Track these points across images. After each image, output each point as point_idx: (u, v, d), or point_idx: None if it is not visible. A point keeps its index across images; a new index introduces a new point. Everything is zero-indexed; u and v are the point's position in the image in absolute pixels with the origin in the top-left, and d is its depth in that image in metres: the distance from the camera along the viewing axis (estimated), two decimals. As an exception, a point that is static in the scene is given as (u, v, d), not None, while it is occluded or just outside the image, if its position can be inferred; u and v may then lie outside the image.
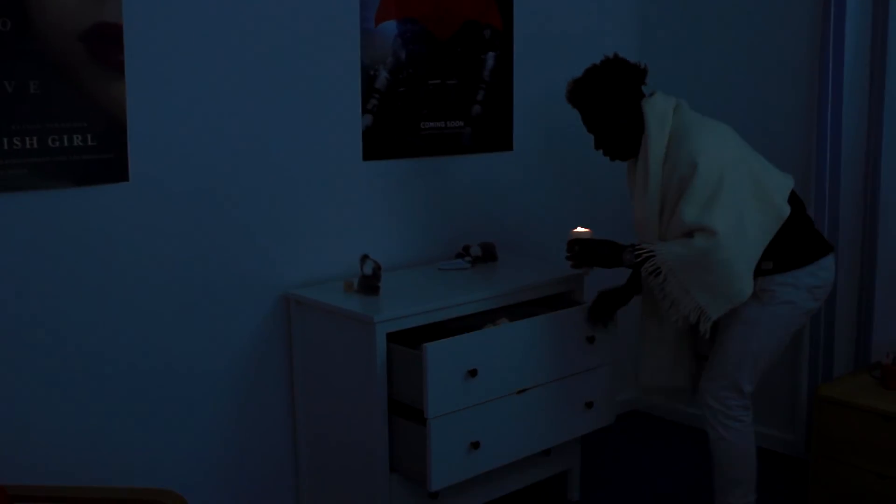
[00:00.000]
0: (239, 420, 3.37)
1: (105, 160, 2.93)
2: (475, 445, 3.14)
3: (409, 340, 3.18)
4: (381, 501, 3.16)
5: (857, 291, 3.82)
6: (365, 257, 3.31)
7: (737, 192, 3.04)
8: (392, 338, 3.12)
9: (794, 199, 3.20)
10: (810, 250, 3.20)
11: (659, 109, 3.19)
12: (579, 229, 3.40)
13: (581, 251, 3.32)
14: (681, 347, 3.40)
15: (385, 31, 3.58)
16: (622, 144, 3.28)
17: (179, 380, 3.20)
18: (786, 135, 4.05)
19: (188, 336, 3.20)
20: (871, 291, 3.79)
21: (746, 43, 4.19)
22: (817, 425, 3.53)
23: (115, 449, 3.07)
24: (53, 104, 2.80)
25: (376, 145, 3.62)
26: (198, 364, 3.24)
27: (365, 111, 3.56)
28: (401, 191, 3.74)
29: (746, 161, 3.14)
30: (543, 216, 4.25)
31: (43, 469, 2.89)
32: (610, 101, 3.21)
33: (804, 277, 3.17)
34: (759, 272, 3.12)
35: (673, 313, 3.16)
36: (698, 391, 3.37)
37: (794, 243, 3.17)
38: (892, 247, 3.73)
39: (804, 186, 3.88)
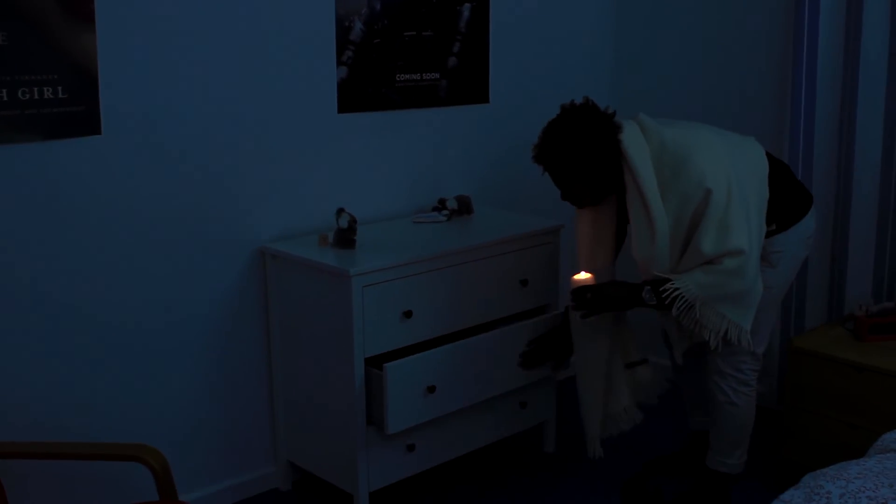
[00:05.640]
0: (216, 374, 3.37)
1: (76, 113, 2.89)
2: (431, 389, 3.18)
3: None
4: (358, 454, 3.17)
5: (831, 244, 3.84)
6: (340, 210, 3.29)
7: (741, 199, 2.97)
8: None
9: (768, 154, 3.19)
10: (802, 203, 3.23)
11: (636, 142, 3.03)
12: (581, 276, 3.16)
13: (594, 298, 3.11)
14: (615, 381, 3.39)
15: (360, -19, 3.54)
16: (599, 192, 3.14)
17: (155, 334, 3.19)
18: (760, 87, 4.04)
19: (163, 291, 3.19)
20: (844, 243, 3.81)
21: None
22: (790, 377, 3.56)
23: (93, 405, 3.07)
24: (23, 56, 2.75)
25: (351, 98, 3.58)
26: (174, 318, 3.23)
27: (340, 63, 3.52)
28: (376, 143, 3.72)
29: (732, 154, 3.06)
30: (519, 169, 4.22)
31: (20, 425, 2.88)
32: (586, 155, 3.02)
33: (802, 230, 3.20)
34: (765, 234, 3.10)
35: (714, 340, 3.06)
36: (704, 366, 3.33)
37: (789, 200, 3.18)
38: (866, 199, 3.74)
39: (778, 139, 3.89)
